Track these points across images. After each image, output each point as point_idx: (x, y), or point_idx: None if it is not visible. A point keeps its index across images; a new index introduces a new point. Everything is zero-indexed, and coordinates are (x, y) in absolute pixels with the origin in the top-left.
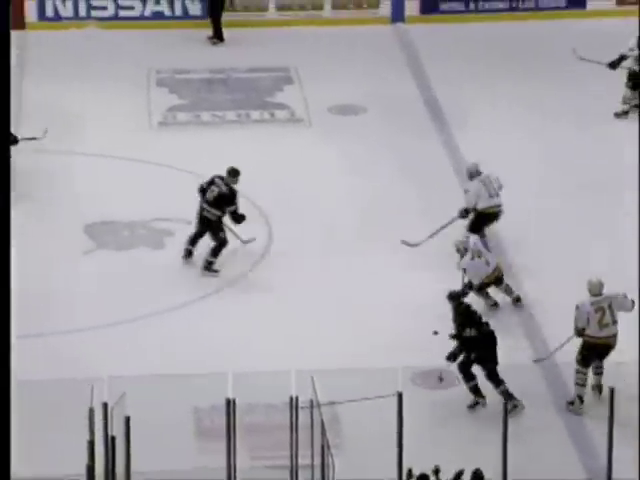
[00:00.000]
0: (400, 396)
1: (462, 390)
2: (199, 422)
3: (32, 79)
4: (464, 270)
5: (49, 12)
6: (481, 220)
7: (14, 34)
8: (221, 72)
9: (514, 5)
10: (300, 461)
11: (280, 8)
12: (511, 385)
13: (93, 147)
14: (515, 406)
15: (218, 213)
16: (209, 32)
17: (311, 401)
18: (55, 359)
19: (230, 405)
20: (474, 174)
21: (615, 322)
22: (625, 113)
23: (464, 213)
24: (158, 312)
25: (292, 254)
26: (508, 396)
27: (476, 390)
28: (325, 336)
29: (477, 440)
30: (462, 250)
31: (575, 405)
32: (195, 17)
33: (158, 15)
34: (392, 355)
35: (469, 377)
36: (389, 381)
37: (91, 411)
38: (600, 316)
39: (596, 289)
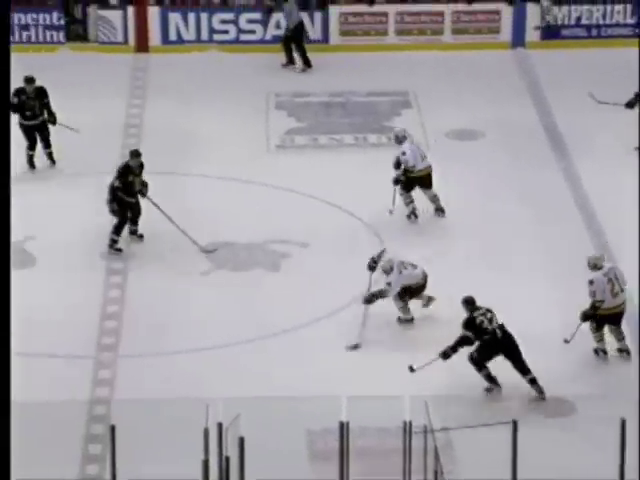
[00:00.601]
0: (515, 424)
1: (574, 418)
2: (312, 445)
3: (154, 101)
4: (389, 284)
5: (172, 36)
6: (413, 181)
7: (138, 57)
8: (339, 95)
9: (637, 31)
10: None
11: (400, 33)
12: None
13: (212, 169)
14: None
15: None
16: (283, 59)
17: (425, 426)
18: (168, 379)
19: (343, 428)
20: (402, 139)
21: (623, 290)
22: None
23: (402, 177)
24: (272, 334)
25: None
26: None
27: (490, 378)
28: (440, 362)
29: (588, 465)
30: (389, 269)
31: (600, 355)
32: (315, 41)
33: (278, 39)
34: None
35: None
36: (501, 409)
37: (206, 431)
38: (611, 286)
39: (601, 262)
